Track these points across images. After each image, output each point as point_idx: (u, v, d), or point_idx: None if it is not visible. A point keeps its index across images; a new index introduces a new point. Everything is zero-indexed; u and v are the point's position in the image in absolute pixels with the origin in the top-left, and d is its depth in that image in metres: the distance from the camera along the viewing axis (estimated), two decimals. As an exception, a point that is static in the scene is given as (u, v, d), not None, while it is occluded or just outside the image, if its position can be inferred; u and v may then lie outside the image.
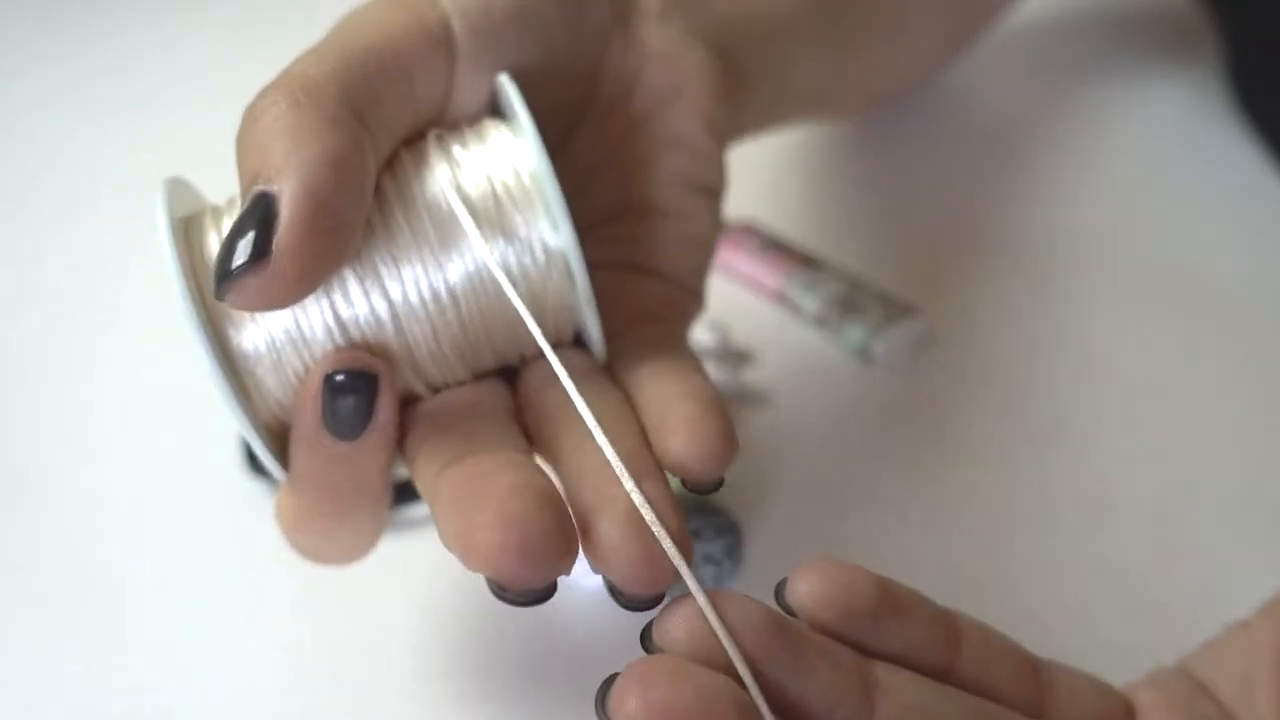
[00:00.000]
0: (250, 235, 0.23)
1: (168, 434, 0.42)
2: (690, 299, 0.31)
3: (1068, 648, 0.29)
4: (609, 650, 0.35)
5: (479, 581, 0.37)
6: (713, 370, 0.44)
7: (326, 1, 0.79)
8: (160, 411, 0.44)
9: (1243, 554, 0.37)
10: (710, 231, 0.32)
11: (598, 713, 0.23)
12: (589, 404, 0.25)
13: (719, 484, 0.27)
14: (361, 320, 0.26)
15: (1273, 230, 0.55)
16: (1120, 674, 0.29)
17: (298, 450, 0.26)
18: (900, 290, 0.48)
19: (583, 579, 0.35)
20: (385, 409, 0.26)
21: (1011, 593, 0.37)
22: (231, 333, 0.26)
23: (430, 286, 0.26)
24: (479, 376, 0.28)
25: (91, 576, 0.37)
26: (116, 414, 0.44)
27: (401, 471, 0.40)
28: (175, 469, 0.41)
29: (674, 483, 0.37)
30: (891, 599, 0.26)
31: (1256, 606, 0.29)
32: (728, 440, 0.26)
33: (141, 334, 0.48)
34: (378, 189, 0.26)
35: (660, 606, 0.25)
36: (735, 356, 0.46)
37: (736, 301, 0.50)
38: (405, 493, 0.39)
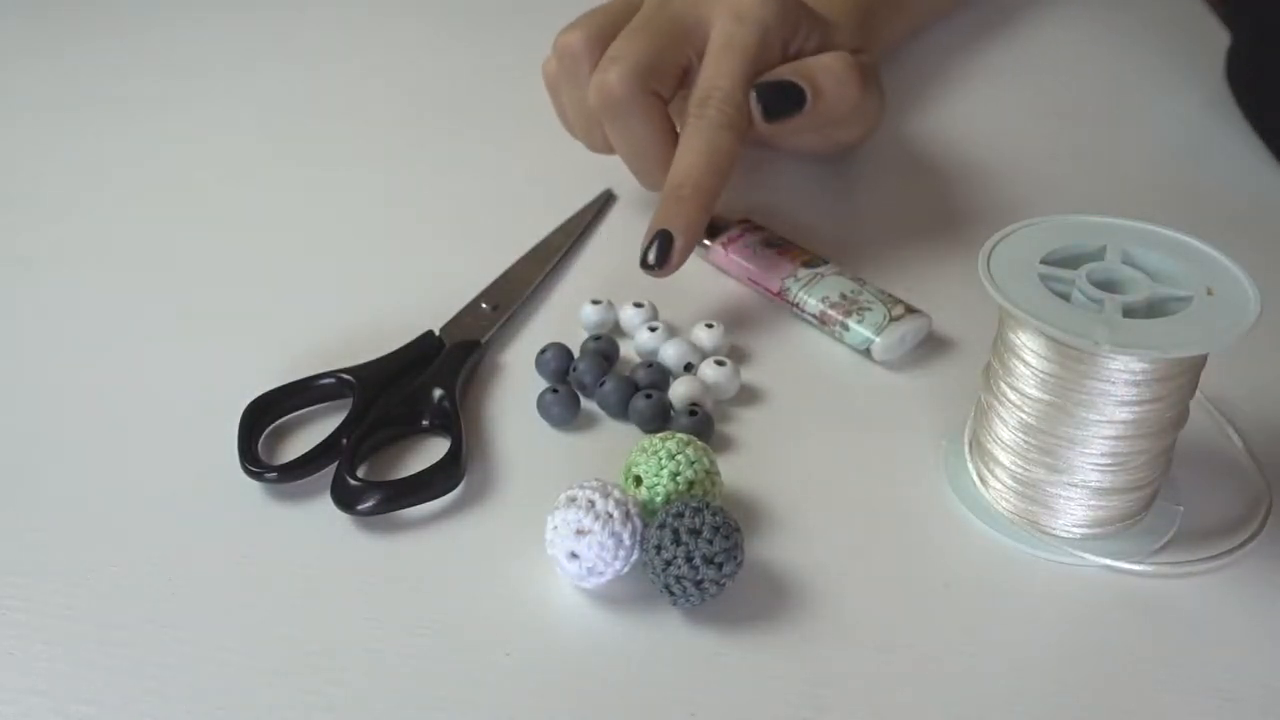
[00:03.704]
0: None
1: (167, 434, 0.42)
2: None
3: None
4: (607, 653, 0.35)
5: (476, 583, 0.37)
6: (712, 371, 0.44)
7: (318, 2, 0.79)
8: (160, 411, 0.44)
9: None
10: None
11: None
12: None
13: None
14: None
15: (1275, 224, 0.55)
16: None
17: None
18: (900, 290, 0.48)
19: (583, 580, 0.35)
20: None
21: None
22: None
23: None
24: None
25: (91, 576, 0.37)
26: (116, 413, 0.44)
27: (401, 471, 0.41)
28: (175, 469, 0.41)
29: (667, 484, 0.37)
30: None
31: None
32: None
33: (141, 333, 0.48)
34: None
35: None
36: (735, 356, 0.46)
37: (736, 301, 0.50)
38: (406, 491, 0.39)
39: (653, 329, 0.46)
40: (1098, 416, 0.35)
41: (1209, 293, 0.35)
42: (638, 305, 0.47)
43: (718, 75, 0.47)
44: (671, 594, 0.35)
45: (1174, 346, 0.33)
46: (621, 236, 0.54)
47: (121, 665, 0.34)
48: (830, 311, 0.47)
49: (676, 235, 0.45)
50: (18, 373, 0.46)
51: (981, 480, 0.39)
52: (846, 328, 0.46)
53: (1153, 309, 0.35)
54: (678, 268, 0.45)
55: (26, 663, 0.34)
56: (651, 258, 0.45)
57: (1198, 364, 0.36)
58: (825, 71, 0.48)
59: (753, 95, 0.46)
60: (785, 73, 0.47)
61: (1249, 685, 0.34)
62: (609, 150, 0.51)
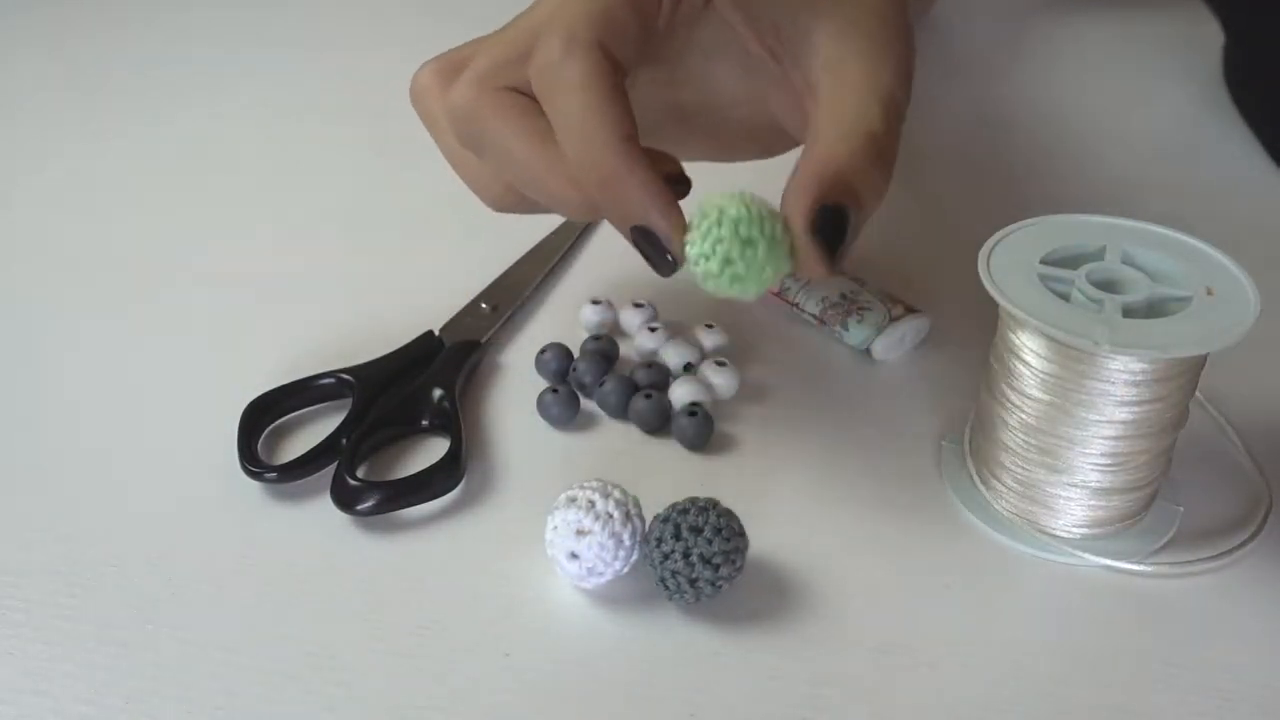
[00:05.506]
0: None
1: (167, 434, 0.43)
2: None
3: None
4: (607, 653, 0.35)
5: (476, 583, 0.37)
6: (713, 371, 0.44)
7: (321, 1, 0.79)
8: (159, 411, 0.44)
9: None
10: None
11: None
12: None
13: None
14: None
15: (1274, 225, 0.55)
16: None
17: None
18: (900, 289, 0.48)
19: (583, 580, 0.35)
20: None
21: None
22: None
23: None
24: None
25: (91, 577, 0.37)
26: (116, 413, 0.44)
27: (401, 471, 0.41)
28: (175, 469, 0.41)
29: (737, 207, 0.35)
30: None
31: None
32: None
33: (141, 332, 0.48)
34: None
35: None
36: (735, 356, 0.46)
37: (736, 302, 0.50)
38: (405, 491, 0.39)
39: (653, 329, 0.46)
40: (1098, 417, 0.35)
41: (1209, 293, 0.35)
42: (638, 305, 0.47)
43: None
44: (666, 588, 0.35)
45: (1174, 346, 0.33)
46: (621, 237, 0.54)
47: (121, 665, 0.34)
48: (830, 311, 0.47)
49: (644, 221, 0.35)
50: (17, 373, 0.46)
51: (981, 480, 0.39)
52: (846, 327, 0.46)
53: (1152, 309, 0.35)
54: (682, 250, 0.35)
55: (26, 663, 0.34)
56: (658, 270, 0.36)
57: (1197, 364, 0.36)
58: (861, 177, 0.36)
59: (807, 239, 0.35)
60: (811, 180, 0.35)
61: (1249, 685, 0.34)
62: (515, 205, 0.41)
